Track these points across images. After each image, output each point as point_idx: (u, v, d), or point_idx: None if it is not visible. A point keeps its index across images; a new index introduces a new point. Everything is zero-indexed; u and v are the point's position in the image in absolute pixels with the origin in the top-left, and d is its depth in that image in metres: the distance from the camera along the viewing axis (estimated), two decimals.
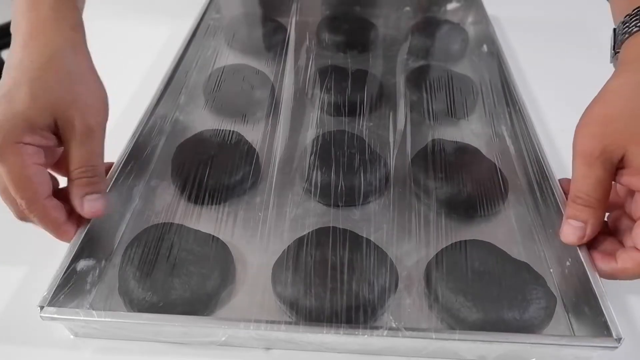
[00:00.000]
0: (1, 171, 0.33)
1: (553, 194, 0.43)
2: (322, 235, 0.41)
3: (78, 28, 0.39)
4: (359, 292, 0.36)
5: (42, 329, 0.37)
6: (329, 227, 0.41)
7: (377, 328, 0.33)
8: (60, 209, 0.36)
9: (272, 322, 0.32)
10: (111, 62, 0.64)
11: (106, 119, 0.38)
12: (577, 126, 0.37)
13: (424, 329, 0.33)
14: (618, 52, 0.40)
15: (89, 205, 0.36)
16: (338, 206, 0.46)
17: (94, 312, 0.33)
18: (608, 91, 0.37)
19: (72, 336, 0.36)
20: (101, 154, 0.38)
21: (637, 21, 0.38)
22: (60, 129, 0.35)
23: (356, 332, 0.32)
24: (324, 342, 0.34)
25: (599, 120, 0.36)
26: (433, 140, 0.50)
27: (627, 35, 0.38)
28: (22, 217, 0.36)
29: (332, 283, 0.37)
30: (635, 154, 0.33)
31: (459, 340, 0.33)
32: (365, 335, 0.32)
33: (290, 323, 0.33)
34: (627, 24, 0.39)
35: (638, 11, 0.38)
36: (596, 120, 0.36)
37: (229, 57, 0.64)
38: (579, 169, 0.35)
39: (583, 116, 0.37)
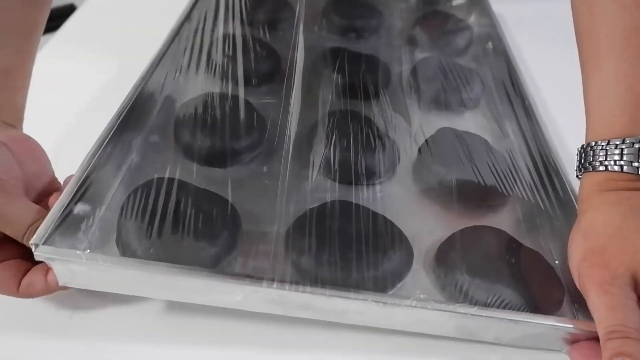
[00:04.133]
0: None
1: (559, 186, 0.44)
2: (336, 207, 0.39)
3: None
4: (377, 263, 0.35)
5: None
6: (345, 200, 0.40)
7: (405, 297, 0.31)
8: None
9: (297, 283, 0.30)
10: (116, 24, 0.61)
11: (13, 167, 0.33)
12: (573, 268, 0.35)
13: (447, 302, 0.32)
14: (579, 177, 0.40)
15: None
16: (348, 184, 0.44)
17: (99, 255, 0.30)
18: (584, 227, 0.37)
19: (60, 284, 0.32)
20: (33, 208, 0.33)
21: (602, 157, 0.37)
22: None
23: (384, 300, 0.31)
24: (345, 310, 0.32)
25: (593, 251, 0.34)
26: (442, 129, 0.50)
27: (590, 169, 0.38)
28: None
29: (348, 253, 0.35)
30: None
31: (479, 316, 0.32)
32: (394, 305, 0.31)
33: (316, 286, 0.31)
34: (591, 157, 0.38)
35: (603, 146, 0.38)
36: (591, 253, 0.34)
37: (236, 29, 0.61)
38: (599, 301, 0.32)
39: (573, 258, 0.36)
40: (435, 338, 0.35)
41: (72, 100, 0.55)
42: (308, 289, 0.30)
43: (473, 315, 0.32)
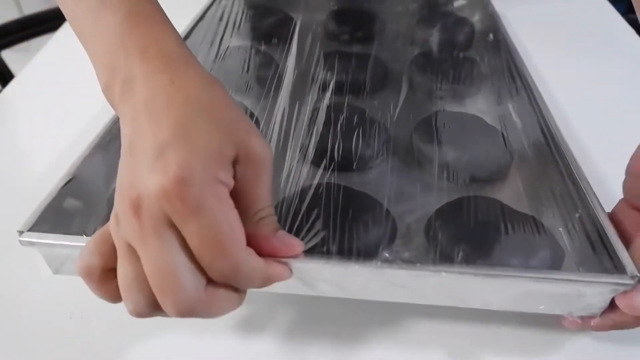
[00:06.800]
0: (196, 227, 0.25)
1: (560, 155, 0.42)
2: (318, 188, 0.39)
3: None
4: (356, 237, 0.35)
5: (21, 263, 0.35)
6: (325, 182, 0.40)
7: (369, 260, 0.30)
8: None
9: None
10: None
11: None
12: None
13: (422, 263, 0.31)
14: None
15: (289, 241, 0.30)
16: (336, 170, 0.44)
17: (82, 236, 0.31)
18: None
19: (52, 273, 0.34)
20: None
21: None
22: (240, 162, 0.27)
23: (347, 264, 0.30)
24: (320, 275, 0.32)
25: None
26: (437, 111, 0.49)
27: None
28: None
29: (329, 229, 0.35)
30: None
31: (457, 273, 0.30)
32: (357, 266, 0.30)
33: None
34: None
35: None
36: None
37: (235, 42, 0.65)
38: None
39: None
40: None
41: (73, 100, 0.57)
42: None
43: (448, 272, 0.30)
